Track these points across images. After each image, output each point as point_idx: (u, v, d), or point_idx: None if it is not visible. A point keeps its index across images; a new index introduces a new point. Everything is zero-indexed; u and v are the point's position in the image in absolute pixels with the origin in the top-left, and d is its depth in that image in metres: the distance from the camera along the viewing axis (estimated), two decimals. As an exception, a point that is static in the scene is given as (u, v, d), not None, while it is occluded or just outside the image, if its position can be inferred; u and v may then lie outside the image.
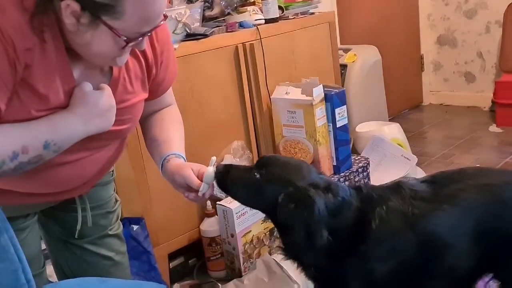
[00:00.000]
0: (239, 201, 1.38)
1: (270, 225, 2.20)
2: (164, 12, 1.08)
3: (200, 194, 1.25)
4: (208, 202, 2.17)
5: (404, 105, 4.29)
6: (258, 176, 1.26)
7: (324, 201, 1.22)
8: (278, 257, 1.96)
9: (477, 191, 1.32)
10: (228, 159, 2.22)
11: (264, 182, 1.26)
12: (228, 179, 1.28)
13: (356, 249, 1.27)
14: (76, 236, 1.39)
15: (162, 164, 1.30)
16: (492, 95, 3.88)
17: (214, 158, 1.29)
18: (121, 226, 1.53)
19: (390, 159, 2.66)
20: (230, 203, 2.09)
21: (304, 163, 1.33)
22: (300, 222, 1.20)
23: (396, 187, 1.35)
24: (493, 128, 3.62)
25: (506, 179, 1.36)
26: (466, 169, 1.50)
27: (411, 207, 1.29)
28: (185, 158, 1.32)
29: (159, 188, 2.03)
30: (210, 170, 1.25)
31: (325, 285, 1.37)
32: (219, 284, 2.09)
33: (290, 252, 1.33)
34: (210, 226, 2.18)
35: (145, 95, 1.29)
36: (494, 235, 1.30)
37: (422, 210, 1.29)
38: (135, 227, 1.95)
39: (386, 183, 1.41)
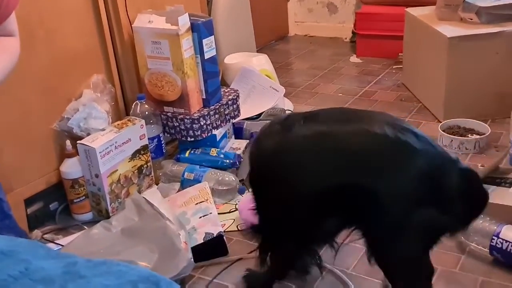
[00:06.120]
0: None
1: (138, 162, 2.10)
2: None
3: None
4: (68, 142, 1.99)
5: (271, 36, 4.29)
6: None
7: None
8: (148, 195, 1.89)
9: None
10: (88, 94, 2.04)
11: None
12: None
13: None
14: None
15: None
16: (352, 26, 4.03)
17: None
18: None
19: (259, 90, 2.66)
20: (93, 142, 1.94)
21: None
22: None
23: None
24: (354, 58, 3.77)
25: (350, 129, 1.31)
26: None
27: None
28: None
29: (8, 127, 1.82)
30: None
31: None
32: (85, 227, 1.98)
33: None
34: (71, 168, 2.01)
35: None
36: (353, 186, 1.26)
37: None
38: (-20, 173, 1.73)
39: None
